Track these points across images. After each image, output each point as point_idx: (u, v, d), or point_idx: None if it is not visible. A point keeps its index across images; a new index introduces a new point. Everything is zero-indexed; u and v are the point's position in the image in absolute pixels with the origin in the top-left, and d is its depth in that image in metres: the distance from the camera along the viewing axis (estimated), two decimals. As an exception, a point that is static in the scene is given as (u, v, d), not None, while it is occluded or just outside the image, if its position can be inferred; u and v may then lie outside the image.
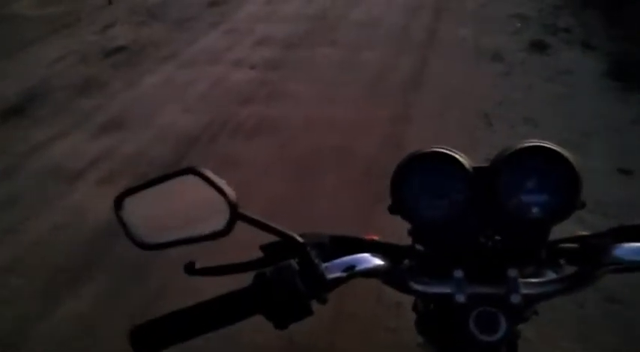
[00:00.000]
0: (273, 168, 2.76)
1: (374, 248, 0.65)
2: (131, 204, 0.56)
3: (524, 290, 0.59)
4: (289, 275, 0.53)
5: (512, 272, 0.59)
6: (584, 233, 0.64)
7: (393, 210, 0.66)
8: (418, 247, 0.68)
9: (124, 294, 2.02)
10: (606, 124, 2.94)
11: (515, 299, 0.58)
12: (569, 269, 0.62)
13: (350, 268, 0.57)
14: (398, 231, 0.72)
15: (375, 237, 0.70)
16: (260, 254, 0.63)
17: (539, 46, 4.03)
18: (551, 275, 0.63)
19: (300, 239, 0.56)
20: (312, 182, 2.61)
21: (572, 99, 3.26)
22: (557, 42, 4.10)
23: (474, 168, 0.63)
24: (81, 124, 3.37)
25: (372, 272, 0.60)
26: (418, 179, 0.65)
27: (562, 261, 0.65)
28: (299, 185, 2.59)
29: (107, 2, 5.80)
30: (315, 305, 0.56)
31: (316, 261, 0.56)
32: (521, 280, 0.59)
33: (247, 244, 0.67)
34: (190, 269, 0.63)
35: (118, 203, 0.56)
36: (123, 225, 0.56)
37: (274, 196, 2.49)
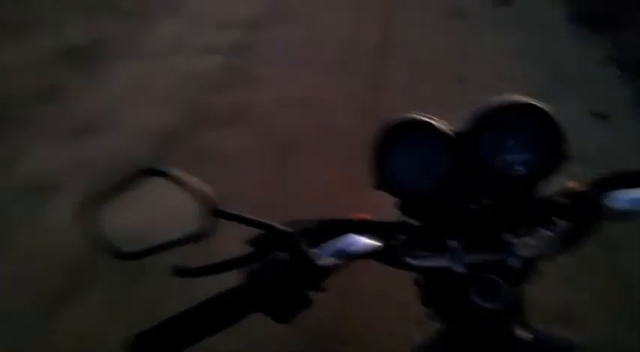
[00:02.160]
0: (254, 155, 2.72)
1: (364, 227, 0.64)
2: (101, 213, 0.51)
3: (521, 253, 0.58)
4: (280, 268, 0.51)
5: (507, 236, 0.59)
6: (573, 185, 0.63)
7: (376, 186, 0.64)
8: (408, 221, 0.66)
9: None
10: (575, 68, 2.96)
11: (512, 262, 0.57)
12: (564, 225, 0.61)
13: (342, 252, 0.56)
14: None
15: (366, 216, 0.68)
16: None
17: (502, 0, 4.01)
18: (546, 234, 0.62)
19: (286, 228, 0.54)
20: (297, 165, 2.57)
21: (540, 50, 3.27)
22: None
23: (454, 132, 0.61)
24: (46, 135, 3.24)
25: (366, 254, 0.58)
26: (397, 150, 0.63)
27: (555, 218, 0.64)
28: (285, 169, 2.56)
29: None
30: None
31: (306, 249, 0.54)
32: (516, 242, 0.59)
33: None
34: (179, 271, 0.60)
35: (82, 214, 0.51)
36: (93, 236, 0.52)
37: (261, 183, 2.46)
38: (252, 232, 0.56)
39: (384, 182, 0.63)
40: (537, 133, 0.60)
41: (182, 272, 0.59)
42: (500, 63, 3.15)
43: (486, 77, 3.03)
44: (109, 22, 4.78)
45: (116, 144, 3.03)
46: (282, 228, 0.54)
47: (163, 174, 0.49)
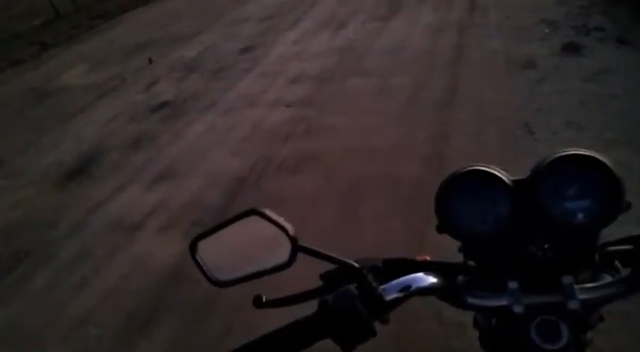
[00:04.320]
0: (319, 200, 2.82)
1: (427, 267, 0.68)
2: (203, 247, 0.62)
3: (582, 296, 0.59)
4: (350, 300, 0.57)
5: (567, 279, 0.60)
6: (636, 233, 0.65)
7: (440, 229, 0.69)
8: (469, 263, 0.70)
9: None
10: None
11: (573, 305, 0.58)
12: (626, 272, 0.62)
13: (406, 288, 0.61)
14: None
15: (427, 257, 0.73)
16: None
17: (571, 48, 3.96)
18: (607, 279, 0.63)
19: (356, 264, 0.60)
20: (361, 210, 2.64)
21: (613, 97, 3.17)
22: (590, 41, 4.02)
23: (514, 182, 0.65)
24: (135, 179, 3.58)
25: (428, 290, 0.62)
26: (461, 197, 0.67)
27: (617, 264, 0.65)
28: (348, 215, 2.63)
29: (148, 62, 6.20)
30: (378, 327, 0.59)
31: (373, 284, 0.60)
32: (577, 286, 0.60)
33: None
34: (258, 302, 0.68)
35: (193, 247, 0.63)
36: (198, 266, 0.62)
37: (322, 229, 2.54)
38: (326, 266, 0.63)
39: (447, 225, 0.68)
40: (597, 183, 0.62)
41: (262, 303, 0.67)
42: (574, 114, 3.08)
43: (554, 126, 2.98)
44: (193, 81, 5.27)
45: (193, 188, 3.28)
46: (352, 263, 0.61)
47: (260, 214, 0.58)
